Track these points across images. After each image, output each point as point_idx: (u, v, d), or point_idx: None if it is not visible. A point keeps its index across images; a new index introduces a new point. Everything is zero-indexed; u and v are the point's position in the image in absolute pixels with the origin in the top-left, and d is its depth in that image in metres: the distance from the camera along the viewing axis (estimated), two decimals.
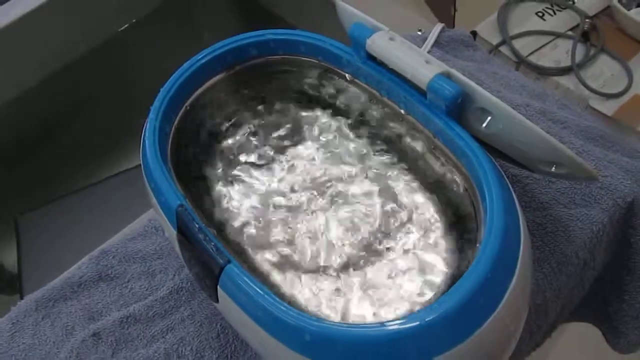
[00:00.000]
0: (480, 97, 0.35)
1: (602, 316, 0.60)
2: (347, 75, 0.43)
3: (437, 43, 0.61)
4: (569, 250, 0.47)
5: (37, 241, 0.83)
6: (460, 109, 0.37)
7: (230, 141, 0.44)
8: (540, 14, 0.85)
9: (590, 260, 0.50)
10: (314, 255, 0.38)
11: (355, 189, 0.41)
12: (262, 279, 0.37)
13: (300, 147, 0.44)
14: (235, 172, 0.43)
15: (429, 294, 0.35)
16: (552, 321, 0.52)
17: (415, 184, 0.41)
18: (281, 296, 0.36)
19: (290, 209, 0.41)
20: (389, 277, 0.37)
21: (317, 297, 0.36)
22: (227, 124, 0.44)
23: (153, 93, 0.41)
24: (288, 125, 0.45)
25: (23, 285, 0.79)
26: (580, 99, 0.76)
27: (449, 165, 0.39)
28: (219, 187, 0.42)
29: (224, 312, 0.36)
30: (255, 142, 0.44)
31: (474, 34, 0.83)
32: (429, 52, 0.59)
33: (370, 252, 0.38)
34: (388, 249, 0.38)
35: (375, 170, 0.42)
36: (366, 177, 0.42)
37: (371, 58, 0.40)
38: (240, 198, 0.41)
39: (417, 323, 0.29)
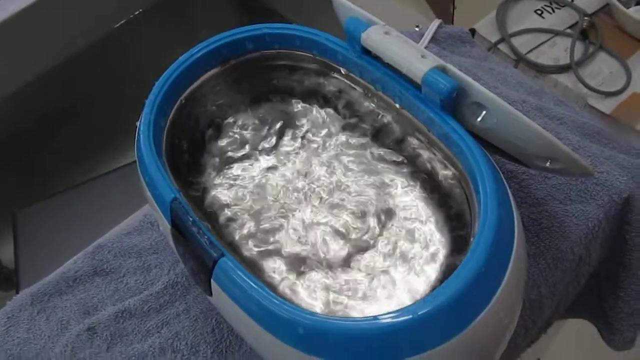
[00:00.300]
0: (475, 92, 0.35)
1: (597, 313, 0.60)
2: (342, 69, 0.43)
3: (434, 39, 0.61)
4: (565, 246, 0.47)
5: (34, 236, 0.83)
6: (456, 103, 0.37)
7: (224, 135, 0.44)
8: (539, 12, 0.85)
9: (586, 256, 0.50)
10: (306, 250, 0.38)
11: (348, 183, 0.41)
12: (256, 272, 0.37)
13: (293, 142, 0.44)
14: (229, 165, 0.43)
15: (422, 288, 0.35)
16: (548, 317, 0.52)
17: (409, 179, 0.41)
18: (274, 290, 0.36)
19: (283, 203, 0.41)
20: (382, 271, 0.37)
21: (310, 291, 0.36)
22: (221, 118, 0.44)
23: (151, 89, 0.40)
24: (282, 120, 0.45)
25: (20, 280, 0.79)
26: (579, 97, 0.75)
27: (444, 159, 0.39)
28: (213, 181, 0.42)
29: (218, 305, 0.36)
30: (249, 136, 0.44)
31: (473, 31, 0.83)
32: (425, 47, 0.59)
33: (362, 246, 0.38)
34: (380, 243, 0.38)
35: (368, 165, 0.42)
36: (359, 172, 0.42)
37: (366, 52, 0.40)
38: (234, 191, 0.41)
39: (410, 316, 0.28)
